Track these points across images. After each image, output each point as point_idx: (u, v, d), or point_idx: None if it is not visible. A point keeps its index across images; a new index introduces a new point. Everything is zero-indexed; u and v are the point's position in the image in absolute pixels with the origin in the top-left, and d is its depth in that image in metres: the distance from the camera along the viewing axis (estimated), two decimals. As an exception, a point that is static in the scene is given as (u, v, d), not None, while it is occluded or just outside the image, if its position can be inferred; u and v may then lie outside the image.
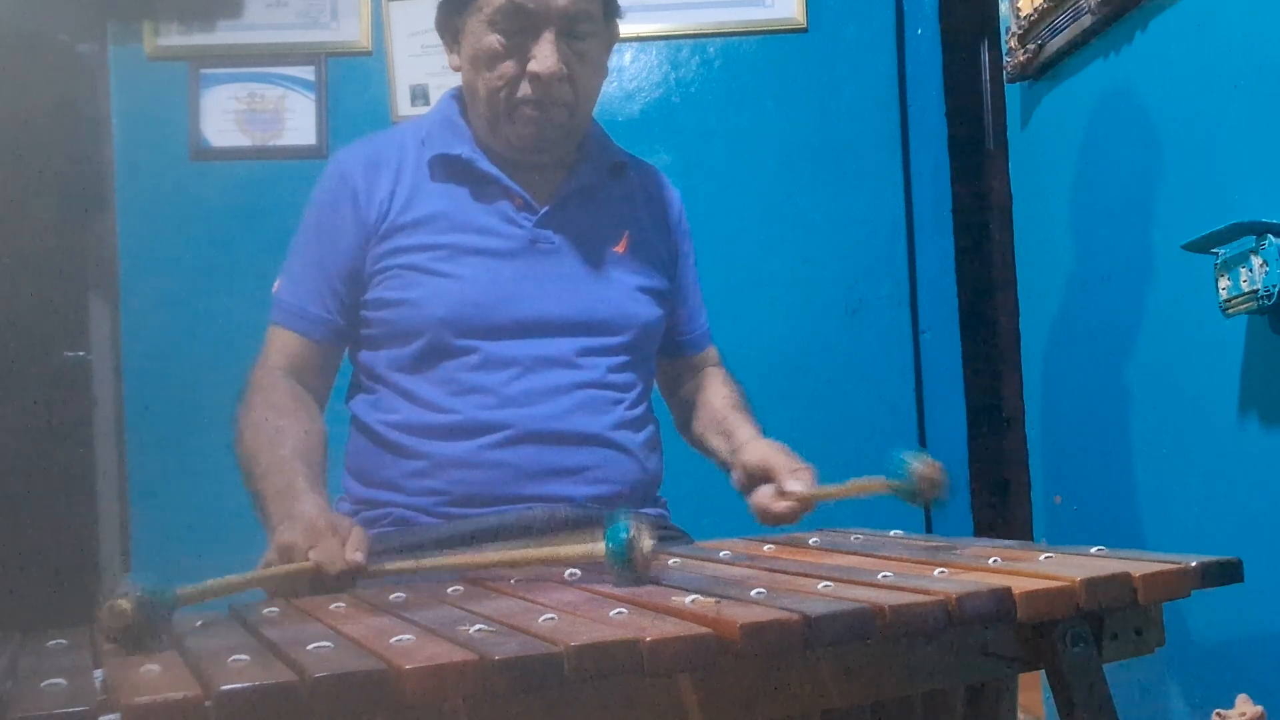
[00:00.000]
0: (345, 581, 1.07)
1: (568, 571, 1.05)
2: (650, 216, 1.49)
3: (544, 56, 1.30)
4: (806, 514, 1.27)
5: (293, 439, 1.27)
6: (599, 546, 0.97)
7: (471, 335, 1.33)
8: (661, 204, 1.51)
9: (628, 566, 0.95)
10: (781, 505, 1.26)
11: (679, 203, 1.54)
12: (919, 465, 1.16)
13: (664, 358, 1.53)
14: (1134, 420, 1.69)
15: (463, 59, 1.38)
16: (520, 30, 1.31)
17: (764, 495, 1.29)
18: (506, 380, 1.32)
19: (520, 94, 1.33)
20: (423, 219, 1.36)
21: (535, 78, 1.31)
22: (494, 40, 1.32)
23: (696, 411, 1.52)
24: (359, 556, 1.09)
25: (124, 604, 0.82)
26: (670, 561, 1.09)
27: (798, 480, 1.26)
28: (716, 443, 1.45)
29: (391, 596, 0.98)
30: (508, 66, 1.32)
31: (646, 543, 0.95)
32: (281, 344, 1.38)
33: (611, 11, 1.40)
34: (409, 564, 1.10)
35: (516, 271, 1.36)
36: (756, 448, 1.34)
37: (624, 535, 0.94)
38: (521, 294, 1.35)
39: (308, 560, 1.07)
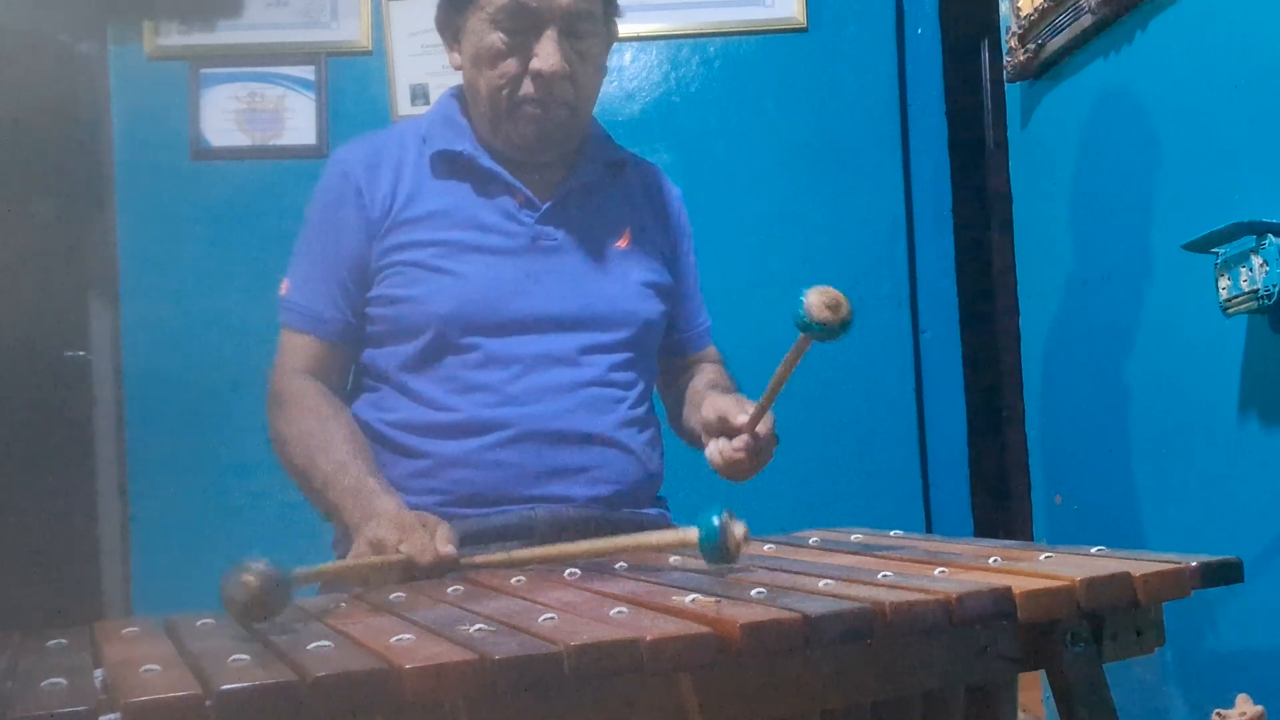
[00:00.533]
0: (437, 572, 1.10)
1: (568, 571, 1.05)
2: (651, 213, 1.49)
3: (547, 55, 1.30)
4: (769, 449, 1.23)
5: (345, 441, 1.28)
6: (691, 533, 1.01)
7: (474, 332, 1.33)
8: (662, 201, 1.51)
9: (720, 552, 0.99)
10: (735, 444, 1.21)
11: (679, 200, 1.54)
12: (813, 297, 1.07)
13: (664, 356, 1.53)
14: (1134, 420, 1.69)
15: (464, 57, 1.38)
16: (522, 29, 1.31)
17: (716, 443, 1.24)
18: (509, 378, 1.32)
19: (522, 92, 1.33)
20: (425, 215, 1.36)
21: (538, 76, 1.31)
22: (496, 39, 1.32)
23: (684, 402, 1.51)
24: (450, 549, 1.11)
25: (250, 578, 0.83)
26: (670, 561, 1.09)
27: (745, 412, 1.22)
28: (693, 420, 1.40)
29: (391, 596, 0.98)
30: (510, 65, 1.32)
31: (738, 529, 0.99)
32: (297, 348, 1.37)
33: (611, 11, 1.40)
34: (499, 557, 1.13)
35: (518, 268, 1.36)
36: (710, 402, 1.28)
37: (716, 521, 0.98)
38: (523, 291, 1.35)
39: (399, 554, 1.10)
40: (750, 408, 1.23)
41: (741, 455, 1.22)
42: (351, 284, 1.37)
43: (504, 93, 1.33)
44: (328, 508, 1.26)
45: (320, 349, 1.37)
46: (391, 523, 1.13)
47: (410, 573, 1.09)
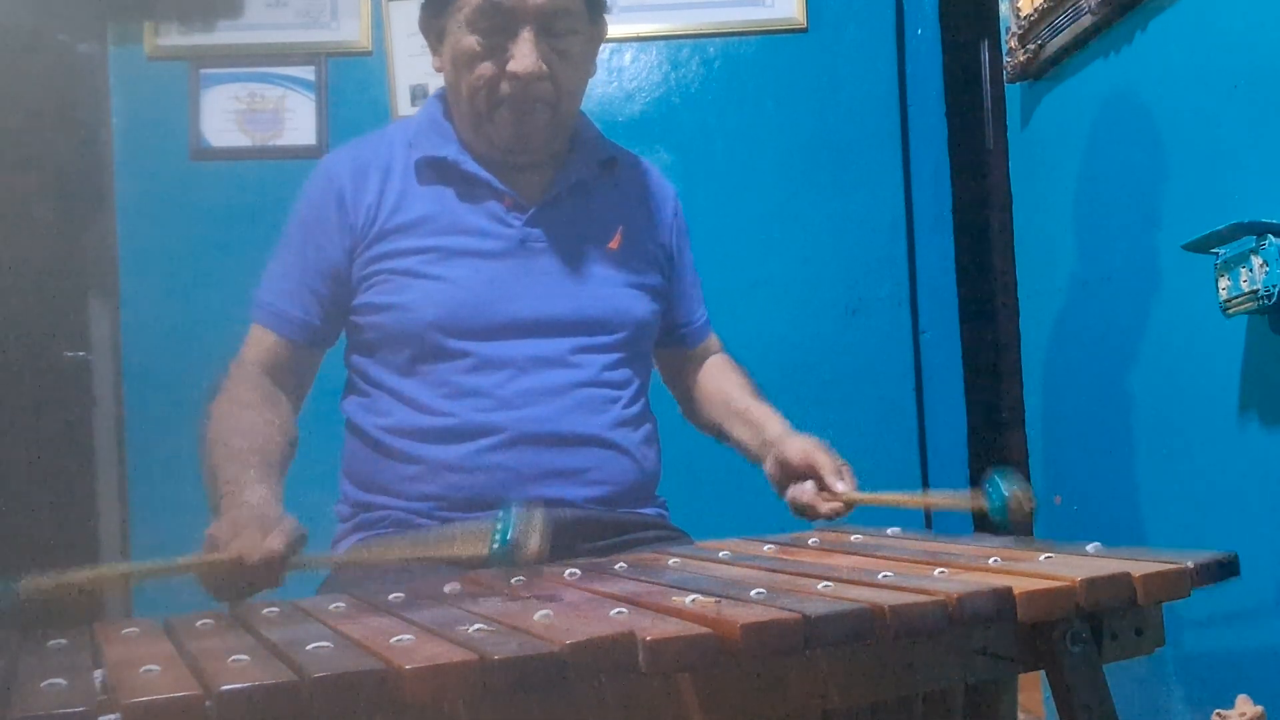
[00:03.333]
0: (265, 575, 1.04)
1: (567, 571, 1.05)
2: (644, 212, 1.48)
3: (522, 56, 1.30)
4: (849, 512, 1.31)
5: (252, 433, 1.25)
6: (484, 547, 0.98)
7: (464, 337, 1.32)
8: (655, 199, 1.51)
9: (509, 557, 0.97)
10: (827, 506, 1.29)
11: (674, 197, 1.54)
12: (1014, 489, 1.13)
13: (665, 349, 1.53)
14: (1134, 420, 1.69)
15: (444, 60, 1.37)
16: (498, 30, 1.31)
17: (806, 492, 1.31)
18: (501, 382, 1.32)
19: (500, 94, 1.32)
20: (412, 222, 1.36)
21: (514, 77, 1.31)
22: (472, 41, 1.32)
23: (710, 398, 1.52)
24: (277, 544, 1.04)
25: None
26: (670, 561, 1.09)
27: (843, 481, 1.29)
28: (742, 433, 1.45)
29: (391, 596, 0.98)
30: (486, 67, 1.32)
31: (534, 535, 0.98)
32: (259, 341, 1.38)
33: (597, 8, 1.39)
34: (327, 558, 1.13)
35: (508, 272, 1.35)
36: (797, 443, 1.35)
37: (507, 527, 0.97)
38: (513, 294, 1.34)
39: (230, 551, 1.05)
40: (836, 459, 1.32)
41: (830, 517, 1.30)
42: (324, 289, 1.37)
43: (482, 94, 1.33)
44: (210, 493, 1.21)
45: (280, 346, 1.37)
46: (229, 520, 1.09)
47: (241, 573, 1.03)
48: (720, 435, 1.50)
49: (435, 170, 1.39)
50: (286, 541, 1.05)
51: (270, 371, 1.37)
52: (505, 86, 1.32)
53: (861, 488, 1.30)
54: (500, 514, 0.99)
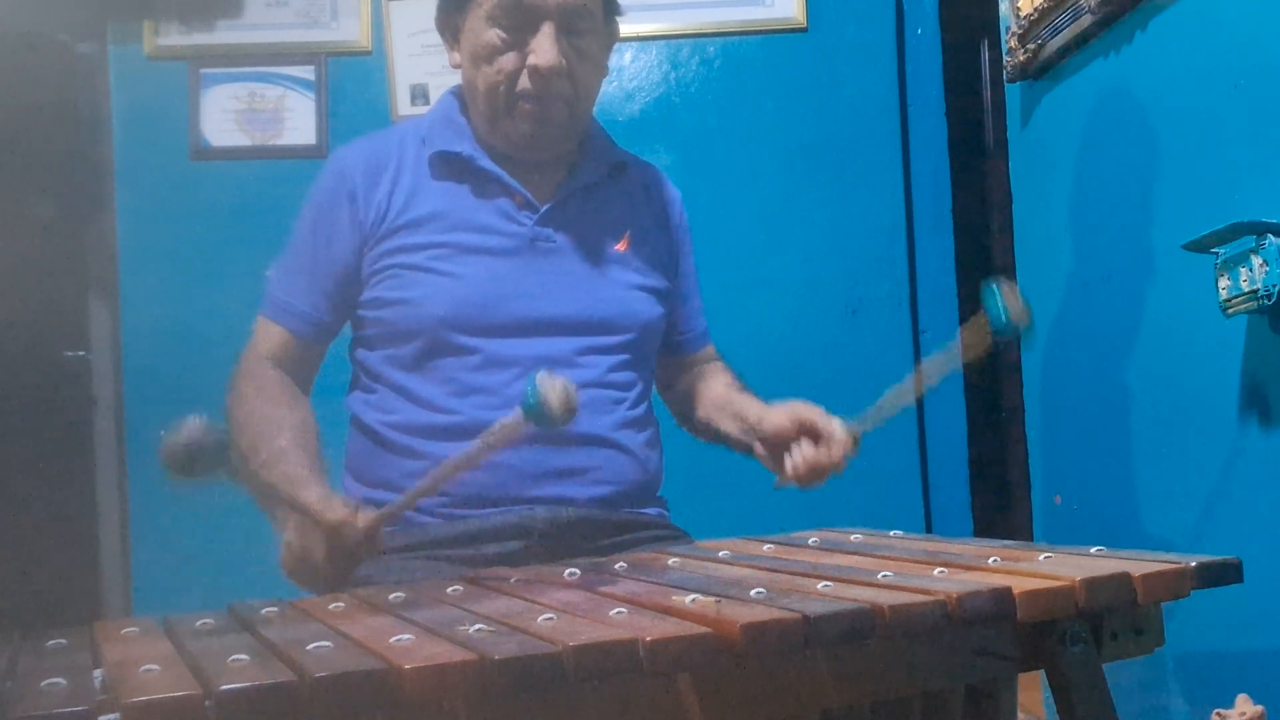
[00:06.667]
0: (366, 543, 1.11)
1: (567, 571, 1.05)
2: (651, 216, 1.49)
3: (543, 51, 1.30)
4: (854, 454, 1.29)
5: (290, 429, 1.27)
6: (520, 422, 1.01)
7: (472, 334, 1.32)
8: (662, 203, 1.51)
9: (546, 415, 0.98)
10: (838, 449, 1.28)
11: (680, 202, 1.54)
12: (1009, 295, 1.12)
13: (663, 356, 1.53)
14: (1134, 420, 1.69)
15: (463, 55, 1.38)
16: (519, 25, 1.31)
17: (808, 451, 1.29)
18: (508, 381, 1.32)
19: (519, 88, 1.33)
20: (422, 218, 1.36)
21: (534, 71, 1.31)
22: (493, 35, 1.32)
23: (698, 400, 1.52)
24: (370, 514, 1.12)
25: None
26: (670, 561, 1.09)
27: (840, 421, 1.29)
28: (727, 425, 1.45)
29: (391, 596, 0.98)
30: (506, 61, 1.32)
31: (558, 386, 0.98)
32: (269, 336, 1.38)
33: (611, 10, 1.40)
34: (404, 502, 1.16)
35: (516, 270, 1.35)
36: (777, 411, 1.34)
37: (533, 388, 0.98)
38: (522, 293, 1.35)
39: (319, 535, 1.11)
40: (809, 408, 1.31)
41: (840, 464, 1.28)
42: (333, 285, 1.37)
43: (501, 89, 1.33)
44: (258, 492, 1.23)
45: (290, 342, 1.38)
46: (302, 515, 1.13)
47: (340, 546, 1.10)
48: (713, 435, 1.50)
49: (448, 166, 1.39)
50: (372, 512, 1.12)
51: (281, 366, 1.37)
52: (525, 81, 1.32)
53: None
54: (525, 386, 1.00)
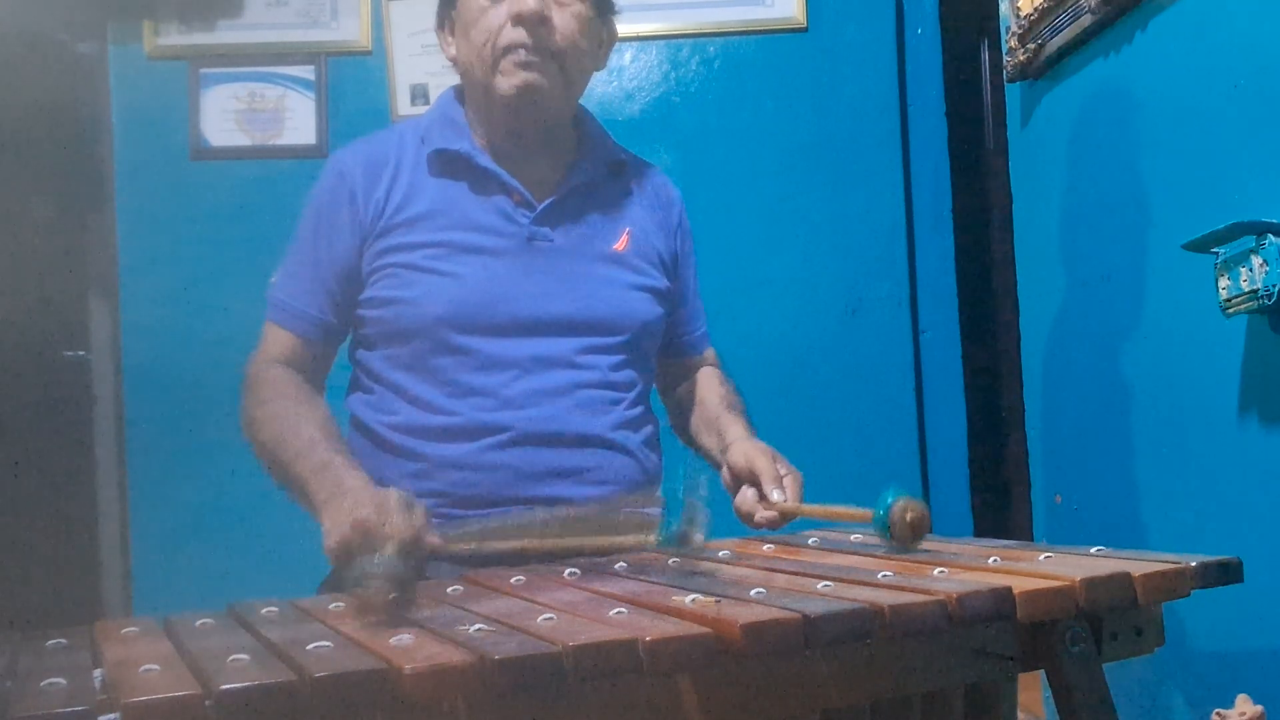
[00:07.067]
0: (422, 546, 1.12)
1: (567, 571, 1.05)
2: (651, 216, 1.49)
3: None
4: (788, 523, 1.28)
5: (315, 423, 1.28)
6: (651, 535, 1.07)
7: (470, 334, 1.32)
8: (663, 204, 1.51)
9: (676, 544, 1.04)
10: (762, 515, 1.27)
11: (680, 203, 1.54)
12: (900, 507, 1.08)
13: (662, 358, 1.53)
14: (1134, 420, 1.69)
15: (458, 39, 1.38)
16: None
17: (747, 500, 1.29)
18: (506, 381, 1.32)
19: (505, 41, 1.33)
20: (420, 216, 1.36)
21: (517, 19, 1.31)
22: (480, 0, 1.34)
23: (692, 410, 1.52)
24: (421, 514, 1.14)
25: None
26: (670, 561, 1.09)
27: (780, 490, 1.27)
28: (709, 441, 1.45)
29: (391, 596, 0.97)
30: (493, 17, 1.33)
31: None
32: (276, 341, 1.39)
33: (605, 7, 1.40)
34: (481, 537, 1.17)
35: (514, 269, 1.35)
36: (742, 449, 1.34)
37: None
38: (520, 292, 1.34)
39: (383, 531, 1.10)
40: (782, 467, 1.30)
41: (768, 527, 1.27)
42: (337, 286, 1.38)
43: (488, 47, 1.33)
44: (295, 485, 1.25)
45: (298, 344, 1.38)
46: (371, 502, 1.12)
47: (413, 553, 1.09)
48: (698, 448, 1.49)
49: (447, 164, 1.39)
50: (422, 512, 1.14)
51: (294, 369, 1.38)
52: (509, 33, 1.32)
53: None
54: (669, 504, 1.04)
